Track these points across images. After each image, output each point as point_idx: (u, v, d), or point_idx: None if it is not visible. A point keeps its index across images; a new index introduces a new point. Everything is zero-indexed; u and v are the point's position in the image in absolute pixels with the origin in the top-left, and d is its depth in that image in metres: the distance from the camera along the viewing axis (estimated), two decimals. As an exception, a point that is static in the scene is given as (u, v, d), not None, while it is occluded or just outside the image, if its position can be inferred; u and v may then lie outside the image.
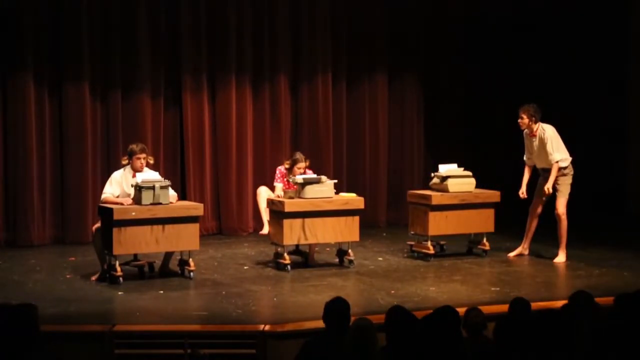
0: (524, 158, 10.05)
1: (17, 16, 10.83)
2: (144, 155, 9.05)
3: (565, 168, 9.84)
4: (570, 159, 9.87)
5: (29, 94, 10.90)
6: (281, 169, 9.97)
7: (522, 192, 9.96)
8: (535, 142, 9.86)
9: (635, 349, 4.83)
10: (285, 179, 9.84)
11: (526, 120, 9.80)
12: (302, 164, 9.69)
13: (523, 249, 10.14)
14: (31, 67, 10.89)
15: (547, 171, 9.84)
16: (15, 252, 10.52)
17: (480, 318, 5.41)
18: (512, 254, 10.12)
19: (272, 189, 10.15)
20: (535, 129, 9.82)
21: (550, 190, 9.79)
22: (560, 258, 9.81)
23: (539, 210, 9.99)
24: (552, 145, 9.75)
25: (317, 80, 12.15)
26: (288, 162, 9.89)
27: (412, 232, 10.19)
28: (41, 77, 10.99)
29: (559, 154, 9.77)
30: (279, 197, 9.74)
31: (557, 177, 9.77)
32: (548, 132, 9.80)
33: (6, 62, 10.89)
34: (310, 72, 12.14)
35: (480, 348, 5.20)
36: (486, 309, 6.77)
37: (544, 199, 9.91)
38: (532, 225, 10.04)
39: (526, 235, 10.12)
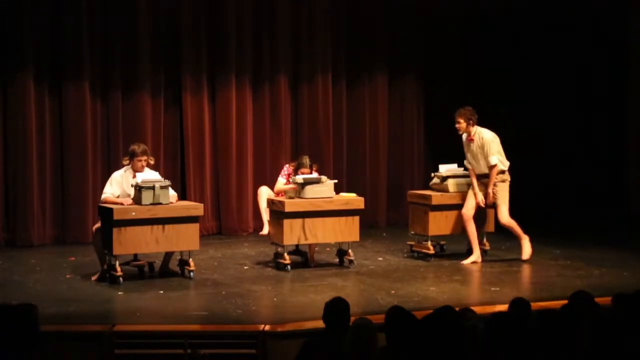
0: (464, 163, 9.86)
1: (17, 16, 10.84)
2: (145, 157, 9.04)
3: (502, 173, 9.64)
4: (508, 164, 9.67)
5: (29, 94, 10.90)
6: (289, 167, 10.00)
7: (482, 199, 9.65)
8: (474, 147, 9.68)
9: (634, 349, 4.83)
10: (289, 179, 9.87)
11: (463, 125, 9.61)
12: (306, 170, 9.69)
13: (476, 256, 9.78)
14: (31, 67, 10.89)
15: (486, 177, 9.67)
16: (15, 252, 10.52)
17: (474, 319, 5.39)
18: (465, 262, 9.74)
19: (273, 187, 10.17)
20: (472, 133, 9.64)
21: (491, 196, 9.61)
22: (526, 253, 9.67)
23: (472, 213, 9.68)
24: (489, 149, 9.55)
25: (317, 80, 12.16)
26: (294, 163, 9.90)
27: (412, 232, 10.20)
28: (41, 77, 11.00)
29: (494, 157, 9.55)
30: (277, 195, 9.78)
31: (495, 185, 9.58)
32: (486, 136, 9.61)
33: (6, 62, 10.90)
34: (310, 72, 12.15)
35: (479, 348, 5.19)
36: (486, 309, 6.79)
37: (484, 206, 9.69)
38: (472, 229, 9.72)
39: (473, 243, 9.79)
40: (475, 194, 9.67)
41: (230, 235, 11.65)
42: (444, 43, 12.72)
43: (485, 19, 12.77)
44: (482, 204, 9.67)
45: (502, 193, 9.64)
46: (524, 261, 9.67)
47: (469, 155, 9.77)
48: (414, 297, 8.16)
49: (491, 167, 9.56)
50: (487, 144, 9.57)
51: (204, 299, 8.28)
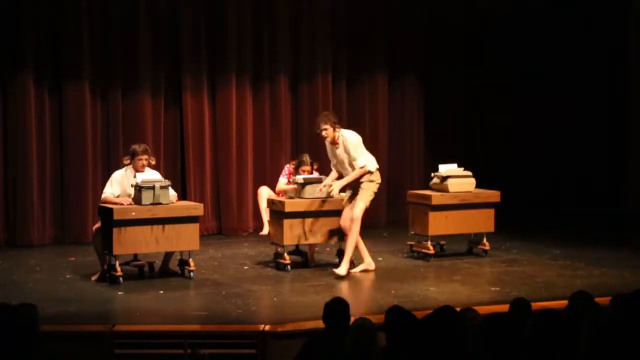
0: (332, 165, 9.39)
1: (17, 16, 10.84)
2: (146, 156, 9.03)
3: (372, 174, 9.15)
4: (377, 166, 9.22)
5: (29, 94, 10.90)
6: (290, 167, 10.01)
7: (328, 189, 9.13)
8: (339, 150, 9.17)
9: (635, 350, 4.83)
10: (290, 178, 9.88)
11: (330, 130, 9.06)
12: (306, 167, 9.72)
13: (367, 264, 9.32)
14: (31, 67, 10.89)
15: (357, 182, 9.15)
16: (15, 252, 10.52)
17: (476, 319, 5.39)
18: (356, 270, 9.22)
19: (273, 188, 10.17)
20: (337, 137, 9.13)
21: (334, 189, 9.04)
22: (341, 270, 8.99)
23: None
24: (355, 151, 9.08)
25: (317, 80, 12.16)
26: (294, 162, 9.91)
27: (412, 232, 10.19)
28: (41, 77, 10.99)
29: (362, 159, 9.08)
30: (278, 194, 9.79)
31: (361, 181, 9.11)
32: (350, 138, 9.12)
33: (6, 62, 10.89)
34: (310, 72, 12.15)
35: (479, 348, 5.19)
36: (486, 309, 6.78)
37: (348, 203, 9.18)
38: (358, 239, 9.20)
39: (362, 251, 9.29)
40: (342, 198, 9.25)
41: (230, 235, 11.65)
42: (444, 43, 12.72)
43: (486, 19, 12.76)
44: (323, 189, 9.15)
45: (366, 191, 9.12)
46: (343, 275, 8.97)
47: (334, 161, 9.29)
48: (414, 297, 8.16)
49: (358, 169, 9.06)
50: (352, 147, 9.08)
51: (204, 299, 8.27)
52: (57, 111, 11.14)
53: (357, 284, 8.91)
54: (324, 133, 9.11)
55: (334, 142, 9.18)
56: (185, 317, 7.57)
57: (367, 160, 9.14)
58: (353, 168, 9.13)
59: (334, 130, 9.10)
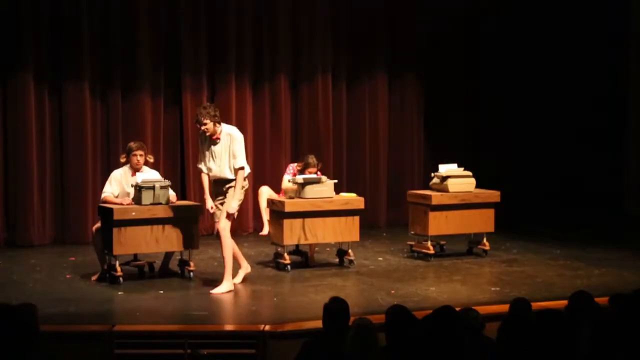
0: (200, 166, 8.63)
1: (17, 16, 10.84)
2: (141, 151, 9.02)
3: (244, 179, 8.55)
4: (249, 171, 8.68)
5: (29, 94, 10.89)
6: (294, 166, 10.01)
7: (213, 206, 8.56)
8: (219, 146, 8.49)
9: (635, 350, 4.83)
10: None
11: (211, 125, 8.39)
12: (313, 169, 9.74)
13: (244, 267, 8.90)
14: (31, 67, 10.89)
15: (223, 183, 8.55)
16: (15, 252, 10.52)
17: (478, 319, 5.40)
18: (237, 280, 8.72)
19: (273, 187, 10.18)
20: (218, 132, 8.50)
21: (232, 210, 8.46)
22: (221, 289, 8.42)
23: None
24: (240, 150, 8.47)
25: (317, 80, 12.16)
26: (300, 164, 9.92)
27: (412, 232, 10.19)
28: (41, 77, 10.99)
29: (243, 159, 8.48)
30: (279, 195, 9.79)
31: (233, 185, 8.49)
32: (236, 136, 8.50)
33: (6, 62, 10.89)
34: (310, 72, 12.15)
35: (480, 348, 5.19)
36: (486, 309, 6.79)
37: (212, 212, 8.61)
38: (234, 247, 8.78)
39: (239, 258, 8.85)
40: (205, 200, 8.59)
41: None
42: (444, 43, 12.72)
43: (486, 19, 12.76)
44: (211, 210, 8.58)
45: (235, 198, 8.49)
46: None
47: (208, 157, 8.55)
48: (414, 297, 8.16)
49: (237, 170, 8.45)
50: (238, 145, 8.46)
51: (204, 299, 8.27)
52: (57, 111, 11.14)
53: (357, 284, 8.91)
54: (204, 128, 8.44)
55: (215, 137, 8.52)
56: (185, 317, 7.57)
57: (245, 163, 8.53)
58: (230, 166, 8.50)
59: (214, 125, 8.44)
